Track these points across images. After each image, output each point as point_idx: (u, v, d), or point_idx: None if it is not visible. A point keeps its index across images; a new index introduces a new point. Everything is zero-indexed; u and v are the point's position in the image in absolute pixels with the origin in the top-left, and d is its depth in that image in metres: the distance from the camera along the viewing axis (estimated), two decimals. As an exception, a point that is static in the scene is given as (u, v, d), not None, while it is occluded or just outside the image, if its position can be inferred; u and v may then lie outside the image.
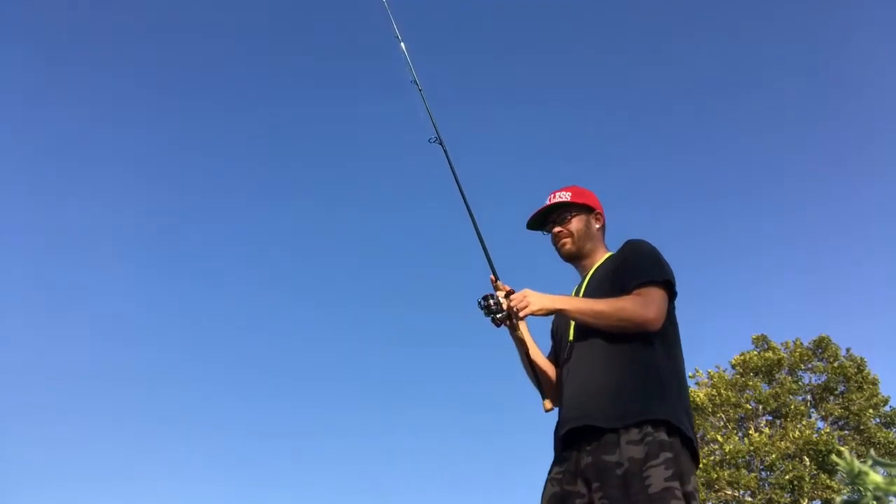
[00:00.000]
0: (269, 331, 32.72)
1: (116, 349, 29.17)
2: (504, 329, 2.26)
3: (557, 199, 2.40)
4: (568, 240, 2.36)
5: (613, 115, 34.66)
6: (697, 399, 16.23)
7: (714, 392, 16.42)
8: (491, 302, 2.19)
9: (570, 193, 2.40)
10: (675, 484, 1.83)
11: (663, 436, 1.92)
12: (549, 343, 2.45)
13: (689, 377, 17.41)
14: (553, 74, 35.48)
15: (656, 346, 2.08)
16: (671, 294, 2.15)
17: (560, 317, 2.30)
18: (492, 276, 2.33)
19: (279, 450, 27.59)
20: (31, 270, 28.73)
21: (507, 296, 2.20)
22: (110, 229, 30.28)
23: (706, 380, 17.21)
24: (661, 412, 1.95)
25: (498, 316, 2.18)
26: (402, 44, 3.24)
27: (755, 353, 17.14)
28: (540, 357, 2.36)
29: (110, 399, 28.39)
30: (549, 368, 2.34)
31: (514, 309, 2.13)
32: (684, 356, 2.20)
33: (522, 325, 2.30)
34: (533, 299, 2.11)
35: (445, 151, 2.72)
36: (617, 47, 34.42)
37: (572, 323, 2.21)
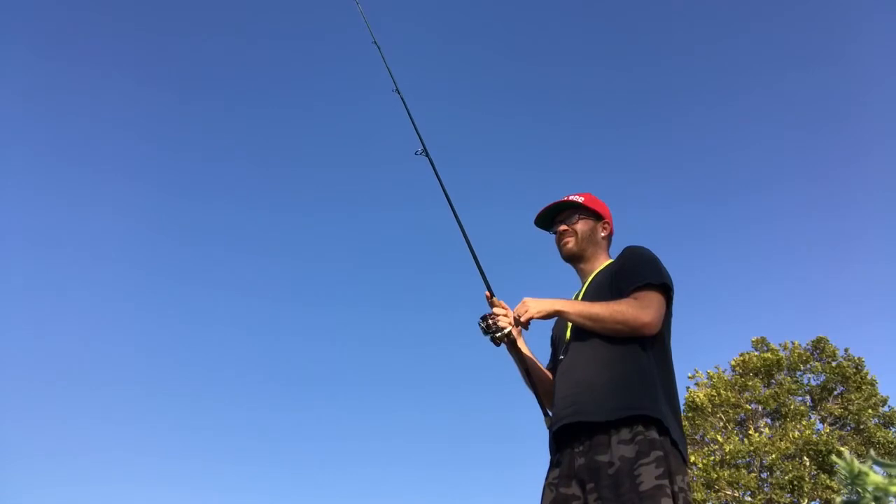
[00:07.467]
0: (264, 334, 32.68)
1: (116, 350, 29.19)
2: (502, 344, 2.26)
3: (569, 199, 2.43)
4: (571, 239, 2.37)
5: (610, 116, 34.70)
6: (697, 399, 16.24)
7: (714, 392, 16.42)
8: (490, 322, 2.19)
9: (583, 198, 2.43)
10: (666, 482, 1.84)
11: (654, 434, 1.93)
12: (549, 353, 2.45)
13: (689, 377, 17.47)
14: (543, 78, 35.53)
15: (649, 350, 2.10)
16: (668, 299, 2.16)
17: (559, 320, 2.32)
18: (487, 293, 2.34)
19: (278, 450, 27.61)
20: (31, 271, 28.70)
21: (497, 313, 2.22)
22: (106, 231, 30.24)
23: (706, 380, 17.23)
24: (651, 410, 1.97)
25: (497, 335, 2.19)
26: (380, 50, 3.24)
27: (754, 354, 17.16)
28: (540, 371, 2.36)
29: (110, 401, 28.37)
30: (549, 380, 2.34)
31: (516, 315, 2.15)
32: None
33: (520, 341, 2.31)
34: (532, 304, 2.14)
35: (432, 164, 2.71)
36: (610, 48, 34.48)
37: (570, 324, 2.22)
